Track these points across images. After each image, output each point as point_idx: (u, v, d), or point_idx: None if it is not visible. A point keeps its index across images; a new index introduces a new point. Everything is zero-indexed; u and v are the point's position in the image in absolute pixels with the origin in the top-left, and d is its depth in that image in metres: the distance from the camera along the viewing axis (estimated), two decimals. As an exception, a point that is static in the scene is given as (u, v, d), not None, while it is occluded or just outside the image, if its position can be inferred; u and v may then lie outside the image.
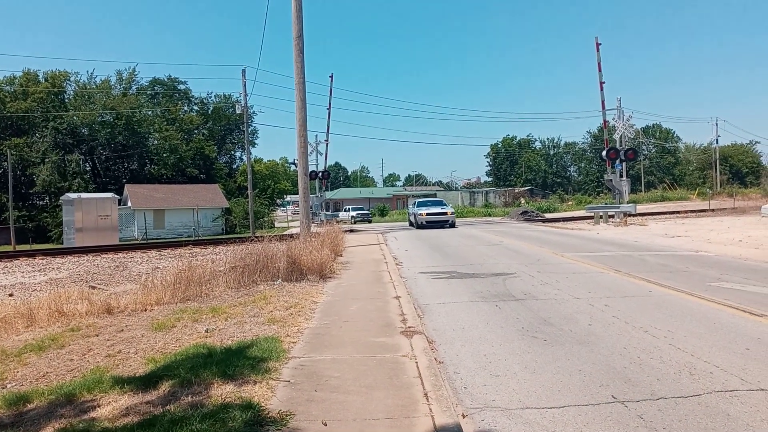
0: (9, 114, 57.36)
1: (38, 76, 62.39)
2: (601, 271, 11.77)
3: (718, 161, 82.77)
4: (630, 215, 29.94)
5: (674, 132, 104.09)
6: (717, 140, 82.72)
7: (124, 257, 22.82)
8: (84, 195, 39.67)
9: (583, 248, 16.80)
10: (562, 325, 7.07)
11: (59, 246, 38.78)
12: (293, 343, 6.39)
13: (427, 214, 31.04)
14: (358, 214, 54.51)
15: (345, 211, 58.49)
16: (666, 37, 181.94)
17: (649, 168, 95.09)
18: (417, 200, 37.66)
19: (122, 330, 7.31)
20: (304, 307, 8.51)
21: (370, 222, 52.50)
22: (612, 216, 30.25)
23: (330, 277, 11.98)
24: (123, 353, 6.15)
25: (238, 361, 5.52)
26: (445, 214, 31.33)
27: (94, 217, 36.18)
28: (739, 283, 9.89)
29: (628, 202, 31.86)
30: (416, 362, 5.54)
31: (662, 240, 18.97)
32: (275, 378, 5.11)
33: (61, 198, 43.63)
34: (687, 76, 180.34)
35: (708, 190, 66.52)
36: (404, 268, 13.51)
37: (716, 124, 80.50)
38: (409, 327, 7.01)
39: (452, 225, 31.00)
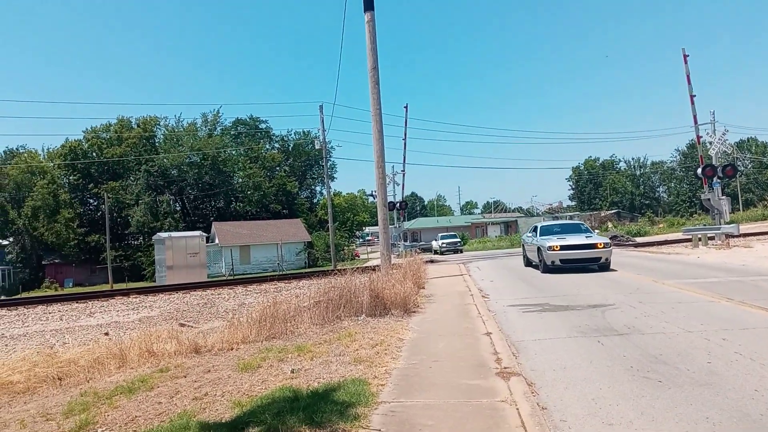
0: (105, 159, 61.54)
1: (131, 122, 66.90)
2: (710, 300, 10.73)
3: (826, 174, 76.57)
4: (732, 236, 27.80)
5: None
6: (823, 152, 76.72)
7: (212, 294, 23.44)
8: (174, 234, 41.57)
9: (685, 274, 15.57)
10: (676, 363, 6.34)
11: (152, 284, 40.71)
12: (381, 385, 6.04)
13: (562, 248, 17.82)
14: (445, 243, 49.56)
15: (435, 240, 53.93)
16: (756, 44, 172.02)
17: (746, 185, 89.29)
18: (540, 225, 21.90)
19: (209, 371, 7.23)
20: (390, 345, 8.16)
21: (461, 252, 47.51)
22: (712, 238, 28.20)
23: (414, 312, 11.59)
24: (209, 396, 6.03)
25: (325, 406, 5.23)
26: (593, 246, 17.91)
27: (184, 254, 37.75)
28: None
29: (728, 223, 29.66)
30: (517, 408, 5.04)
31: (774, 263, 17.35)
32: (365, 426, 4.77)
33: (153, 237, 45.92)
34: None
35: (817, 206, 61.43)
36: (491, 301, 12.91)
37: (821, 135, 74.74)
38: (505, 368, 6.49)
39: (605, 266, 17.81)
